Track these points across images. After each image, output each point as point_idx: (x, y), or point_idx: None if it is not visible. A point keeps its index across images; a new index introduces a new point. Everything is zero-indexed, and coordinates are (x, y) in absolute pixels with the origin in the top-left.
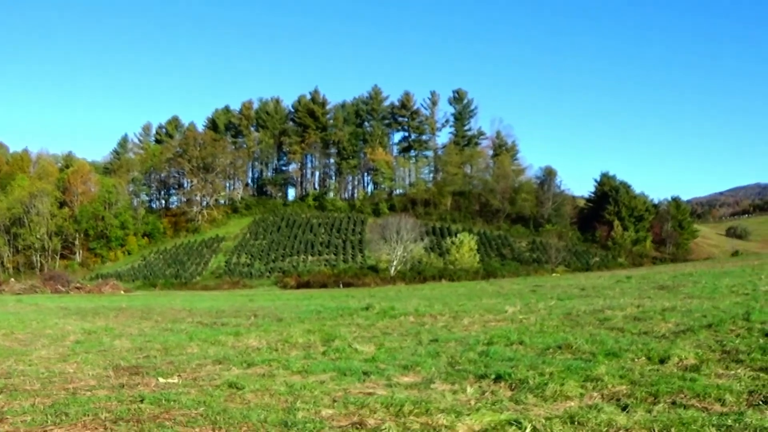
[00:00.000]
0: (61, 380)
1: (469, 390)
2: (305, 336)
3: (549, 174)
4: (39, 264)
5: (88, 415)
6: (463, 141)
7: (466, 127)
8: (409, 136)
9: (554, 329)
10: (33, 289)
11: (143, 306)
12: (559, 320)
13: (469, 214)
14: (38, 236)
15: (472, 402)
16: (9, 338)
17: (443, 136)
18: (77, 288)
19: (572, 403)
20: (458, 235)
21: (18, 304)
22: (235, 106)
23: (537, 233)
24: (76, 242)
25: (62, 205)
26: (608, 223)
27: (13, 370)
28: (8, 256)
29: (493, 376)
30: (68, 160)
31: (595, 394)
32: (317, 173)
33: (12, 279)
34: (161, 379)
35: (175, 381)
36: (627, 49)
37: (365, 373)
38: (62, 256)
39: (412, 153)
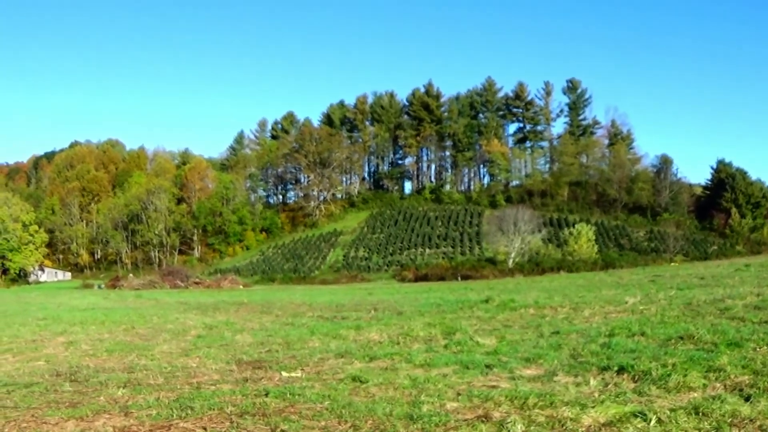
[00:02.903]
0: (184, 374)
1: (593, 382)
2: (426, 329)
3: (665, 162)
4: (157, 259)
5: (214, 409)
6: (578, 131)
7: (580, 117)
8: (524, 126)
9: (675, 320)
10: (152, 284)
11: (263, 300)
12: (679, 310)
13: (586, 205)
14: (156, 232)
15: (596, 394)
16: (130, 333)
17: (558, 126)
18: (196, 283)
19: (695, 394)
20: (576, 225)
21: (137, 299)
22: (350, 101)
23: (654, 222)
24: (194, 238)
25: (180, 201)
26: (725, 211)
27: (136, 365)
28: (126, 251)
29: (615, 368)
30: (185, 157)
31: (718, 384)
32: (433, 166)
33: (130, 275)
34: (284, 374)
35: (299, 375)
36: (739, 32)
37: (488, 366)
38: (180, 252)
39: (528, 144)
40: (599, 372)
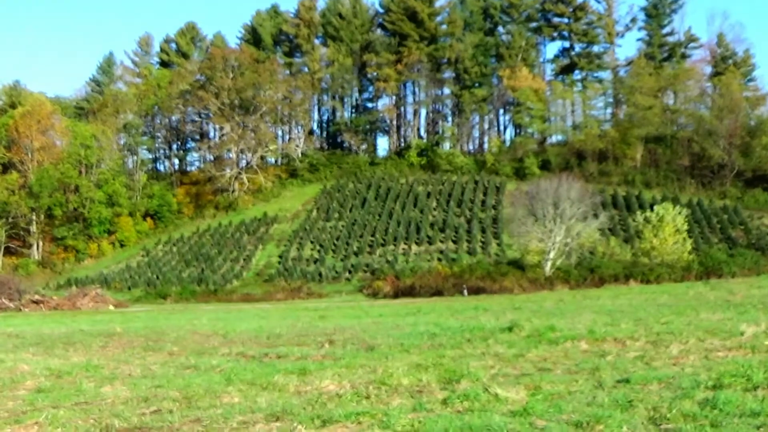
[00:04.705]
0: None
1: None
2: (413, 374)
3: None
4: None
5: None
6: (662, 53)
7: (665, 30)
8: (572, 47)
9: None
10: None
11: (148, 329)
12: None
13: (673, 173)
14: None
15: None
16: None
17: (628, 47)
18: (35, 302)
19: None
20: (655, 207)
21: None
22: (289, 7)
23: None
24: (33, 228)
25: (7, 168)
26: None
27: None
28: None
29: None
30: (14, 95)
31: None
32: (423, 112)
33: None
34: None
35: None
36: None
37: None
38: (9, 251)
39: (577, 75)
40: None
